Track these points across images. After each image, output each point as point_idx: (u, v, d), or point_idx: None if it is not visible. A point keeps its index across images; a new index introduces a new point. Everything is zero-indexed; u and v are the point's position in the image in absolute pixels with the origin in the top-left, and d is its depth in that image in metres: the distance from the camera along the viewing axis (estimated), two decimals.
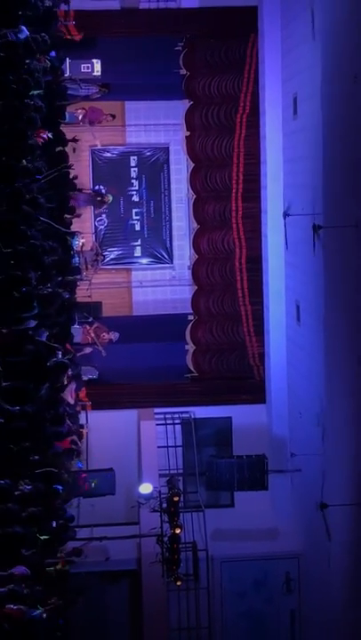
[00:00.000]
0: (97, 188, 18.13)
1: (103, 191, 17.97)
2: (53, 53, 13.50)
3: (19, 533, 8.78)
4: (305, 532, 16.28)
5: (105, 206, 17.96)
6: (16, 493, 9.53)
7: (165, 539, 15.07)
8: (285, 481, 16.84)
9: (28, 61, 10.63)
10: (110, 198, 17.83)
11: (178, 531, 15.07)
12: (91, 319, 17.46)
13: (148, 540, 15.39)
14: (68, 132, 15.98)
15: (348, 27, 12.82)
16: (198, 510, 16.84)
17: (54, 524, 12.15)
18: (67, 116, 15.60)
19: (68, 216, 14.64)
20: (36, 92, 11.05)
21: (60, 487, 12.18)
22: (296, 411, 16.62)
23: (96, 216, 18.69)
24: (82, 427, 16.56)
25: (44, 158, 12.31)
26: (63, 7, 16.01)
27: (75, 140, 16.55)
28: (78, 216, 16.41)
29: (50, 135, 12.90)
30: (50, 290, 11.37)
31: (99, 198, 17.73)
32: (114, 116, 17.83)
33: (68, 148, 15.68)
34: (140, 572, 16.12)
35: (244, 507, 17.34)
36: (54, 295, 11.52)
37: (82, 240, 17.52)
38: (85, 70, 16.74)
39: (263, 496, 16.68)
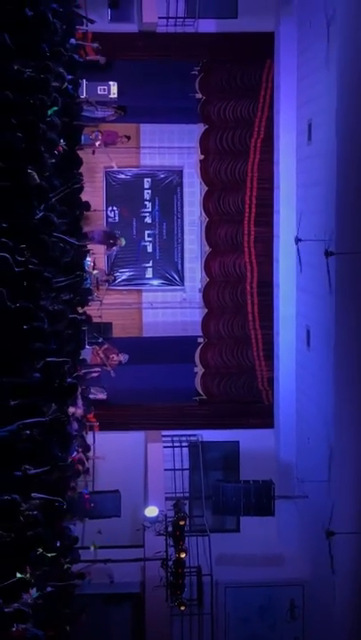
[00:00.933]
0: (114, 232, 18.18)
1: (117, 234, 18.07)
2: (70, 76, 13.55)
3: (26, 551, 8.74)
4: (311, 560, 16.17)
5: (116, 248, 18.01)
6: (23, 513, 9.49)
7: (170, 563, 14.99)
8: (292, 507, 16.73)
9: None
10: (123, 242, 17.92)
11: (183, 555, 14.99)
12: (100, 340, 17.44)
13: (153, 563, 15.31)
14: (83, 154, 16.04)
15: None
16: (204, 534, 16.74)
17: (58, 544, 12.10)
18: (82, 138, 15.64)
19: (81, 243, 14.61)
20: (51, 111, 11.11)
21: (64, 507, 12.16)
22: (304, 436, 16.55)
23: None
24: (89, 448, 16.51)
25: (59, 178, 12.34)
26: (82, 29, 16.15)
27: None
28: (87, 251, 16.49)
29: (64, 145, 12.91)
30: (59, 307, 11.36)
31: (111, 241, 17.81)
32: (129, 138, 17.91)
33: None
34: (144, 595, 16.03)
35: (250, 532, 17.23)
36: (63, 312, 11.51)
37: (93, 260, 17.61)
38: (102, 92, 16.83)
39: (269, 522, 16.57)
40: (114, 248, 18.01)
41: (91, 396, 16.81)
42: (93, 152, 17.33)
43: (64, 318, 11.32)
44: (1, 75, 8.61)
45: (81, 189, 14.14)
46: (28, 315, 8.45)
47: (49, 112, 10.91)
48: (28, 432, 8.49)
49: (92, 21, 16.34)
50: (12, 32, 8.89)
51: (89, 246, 15.67)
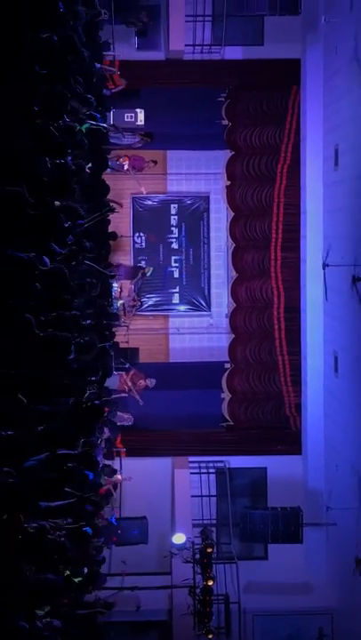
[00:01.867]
0: (138, 264, 18.28)
1: (144, 265, 18.15)
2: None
3: (51, 580, 8.70)
4: (340, 588, 15.99)
5: (142, 281, 18.07)
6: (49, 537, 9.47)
7: (198, 590, 14.89)
8: (320, 535, 16.58)
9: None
10: (150, 271, 17.99)
11: (210, 582, 14.88)
12: (128, 365, 17.46)
13: (180, 591, 15.22)
14: (111, 180, 16.12)
15: None
16: (231, 562, 16.62)
17: (85, 570, 12.07)
18: (109, 164, 15.74)
19: (108, 271, 14.66)
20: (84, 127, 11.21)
21: (91, 533, 12.13)
22: (333, 463, 16.42)
23: (135, 262, 18.79)
24: (115, 472, 16.48)
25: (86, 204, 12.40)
26: (108, 57, 16.30)
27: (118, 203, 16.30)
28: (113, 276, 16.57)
29: (89, 169, 12.98)
30: (87, 339, 11.37)
31: (140, 272, 17.90)
32: (156, 162, 18.00)
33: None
34: (171, 623, 15.91)
35: (278, 559, 17.08)
36: (91, 344, 11.51)
37: (120, 286, 17.68)
38: (129, 120, 16.96)
39: (297, 549, 16.43)
40: (140, 279, 18.06)
41: (117, 422, 16.79)
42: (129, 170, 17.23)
43: (93, 349, 11.32)
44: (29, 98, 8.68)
45: (107, 219, 14.21)
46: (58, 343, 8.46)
47: (81, 128, 10.99)
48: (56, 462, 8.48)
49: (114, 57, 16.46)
50: (41, 58, 8.97)
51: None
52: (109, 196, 14.39)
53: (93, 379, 12.33)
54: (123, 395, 17.08)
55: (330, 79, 16.50)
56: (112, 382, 16.05)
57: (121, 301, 17.12)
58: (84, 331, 10.93)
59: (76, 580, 10.63)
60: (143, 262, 18.81)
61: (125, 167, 17.11)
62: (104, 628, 13.01)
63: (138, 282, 18.26)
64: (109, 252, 14.90)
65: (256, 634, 16.50)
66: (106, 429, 14.71)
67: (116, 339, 16.57)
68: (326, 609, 16.45)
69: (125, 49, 17.42)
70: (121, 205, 16.81)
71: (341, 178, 15.62)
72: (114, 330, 15.67)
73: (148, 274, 18.01)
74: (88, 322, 12.03)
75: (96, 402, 11.42)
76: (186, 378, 18.71)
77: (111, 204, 15.58)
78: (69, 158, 10.20)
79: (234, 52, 18.11)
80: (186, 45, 17.67)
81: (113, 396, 16.03)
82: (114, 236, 14.63)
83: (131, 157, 17.37)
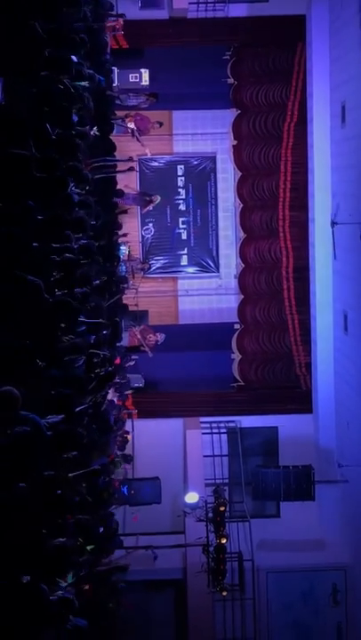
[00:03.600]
0: (145, 192, 18.21)
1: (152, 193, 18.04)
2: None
3: (66, 546, 8.78)
4: (352, 544, 16.12)
5: (152, 206, 17.89)
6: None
7: (211, 548, 15.01)
8: (333, 492, 16.68)
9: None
10: (158, 198, 17.79)
11: (224, 541, 15.00)
12: (137, 327, 17.48)
13: (194, 549, 15.34)
14: (117, 144, 16.02)
15: None
16: (244, 520, 16.75)
17: (101, 530, 12.18)
18: (115, 128, 15.62)
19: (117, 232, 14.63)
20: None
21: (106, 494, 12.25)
22: (344, 421, 16.48)
23: (143, 225, 18.75)
24: (127, 433, 16.59)
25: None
26: (112, 20, 16.12)
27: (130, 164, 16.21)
28: (125, 211, 16.50)
29: (96, 131, 12.90)
30: (93, 304, 11.36)
31: (147, 198, 17.75)
32: (161, 124, 17.81)
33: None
34: (186, 581, 16.08)
35: (291, 517, 17.21)
36: (99, 307, 11.50)
37: (128, 248, 17.65)
38: (133, 80, 16.80)
39: (310, 507, 16.54)
40: (150, 207, 17.90)
41: (129, 383, 16.86)
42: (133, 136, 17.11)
43: (101, 313, 11.32)
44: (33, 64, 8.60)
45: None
46: (67, 309, 8.46)
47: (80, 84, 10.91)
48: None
49: (121, 15, 16.27)
50: (43, 19, 8.88)
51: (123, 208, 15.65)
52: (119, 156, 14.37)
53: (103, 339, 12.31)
54: (134, 358, 17.11)
55: (335, 35, 16.31)
56: (122, 339, 16.03)
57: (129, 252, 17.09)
58: (91, 294, 10.94)
59: (89, 547, 10.70)
60: (150, 224, 18.76)
61: (130, 127, 16.96)
62: (120, 587, 13.15)
63: (147, 240, 18.22)
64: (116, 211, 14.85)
65: (270, 590, 16.68)
66: (111, 391, 14.69)
67: (125, 301, 16.59)
68: (339, 565, 16.60)
69: (129, 8, 17.21)
70: (132, 160, 16.70)
71: (349, 135, 15.49)
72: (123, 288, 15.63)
73: (157, 202, 17.84)
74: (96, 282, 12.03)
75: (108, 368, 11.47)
76: (196, 339, 18.75)
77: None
78: (75, 119, 10.16)
79: (238, 10, 17.89)
80: (190, 3, 17.48)
81: (125, 360, 16.10)
82: (120, 193, 14.58)
83: (135, 117, 17.21)
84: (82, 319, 9.65)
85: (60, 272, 8.82)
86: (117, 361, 14.38)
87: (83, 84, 10.93)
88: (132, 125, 16.90)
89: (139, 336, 17.18)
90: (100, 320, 11.04)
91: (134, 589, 15.42)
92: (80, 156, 10.16)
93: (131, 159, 15.37)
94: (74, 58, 10.70)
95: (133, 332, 17.16)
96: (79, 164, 9.91)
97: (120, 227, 15.63)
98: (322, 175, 17.13)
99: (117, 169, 14.78)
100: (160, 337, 17.37)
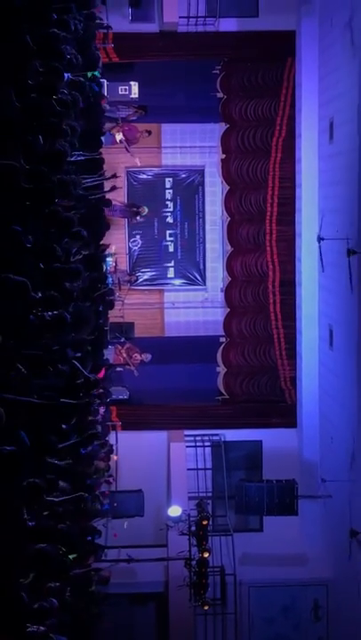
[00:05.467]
0: (132, 203, 18.23)
1: (140, 210, 18.05)
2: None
3: (47, 552, 8.74)
4: (334, 559, 16.12)
5: (140, 217, 17.92)
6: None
7: (193, 562, 15.00)
8: (315, 507, 16.69)
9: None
10: (146, 210, 17.83)
11: (206, 554, 14.99)
12: (122, 339, 17.48)
13: (176, 563, 15.33)
14: (104, 154, 16.03)
15: None
16: (227, 534, 16.74)
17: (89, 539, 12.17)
18: (103, 139, 15.65)
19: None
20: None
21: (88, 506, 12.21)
22: (328, 436, 16.50)
23: (130, 237, 18.77)
24: (111, 448, 16.54)
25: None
26: (102, 30, 16.17)
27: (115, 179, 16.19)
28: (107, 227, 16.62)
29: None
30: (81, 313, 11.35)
31: (134, 209, 17.78)
32: (150, 133, 17.86)
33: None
34: (168, 595, 16.04)
35: (274, 531, 17.19)
36: (87, 317, 11.50)
37: (115, 260, 17.65)
38: (123, 92, 16.85)
39: (293, 521, 16.53)
40: (138, 218, 17.92)
41: (113, 396, 16.83)
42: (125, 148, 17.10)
43: (88, 323, 11.29)
44: (21, 74, 8.62)
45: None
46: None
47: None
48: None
49: (109, 27, 16.33)
50: (32, 31, 8.91)
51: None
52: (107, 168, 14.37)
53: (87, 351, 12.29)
54: (118, 369, 17.12)
55: (325, 51, 16.41)
56: (107, 356, 16.06)
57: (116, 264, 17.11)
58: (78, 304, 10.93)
59: (71, 556, 10.66)
60: (137, 236, 18.79)
61: (118, 139, 16.98)
62: (100, 600, 13.09)
63: (134, 252, 18.23)
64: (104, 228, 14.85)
65: (252, 605, 16.66)
66: (101, 409, 14.70)
67: (111, 313, 16.58)
68: (321, 580, 16.61)
69: (119, 21, 17.28)
70: (117, 176, 16.69)
71: (336, 151, 15.57)
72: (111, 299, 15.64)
73: (144, 213, 17.87)
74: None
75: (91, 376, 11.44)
76: (181, 352, 18.75)
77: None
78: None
79: (228, 24, 17.98)
80: (180, 17, 17.54)
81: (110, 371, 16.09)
82: (108, 203, 14.62)
83: (123, 127, 17.24)
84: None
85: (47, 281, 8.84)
86: (101, 374, 14.36)
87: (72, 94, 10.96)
88: (120, 136, 16.94)
89: (124, 354, 17.18)
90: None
91: (116, 602, 15.39)
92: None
93: (115, 176, 15.33)
94: (66, 74, 10.75)
95: (119, 350, 17.15)
96: (67, 178, 9.92)
97: (108, 226, 15.54)
98: (309, 190, 17.20)
99: (103, 185, 14.74)
100: (146, 357, 17.39)
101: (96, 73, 12.82)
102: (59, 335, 8.99)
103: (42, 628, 8.09)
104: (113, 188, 15.20)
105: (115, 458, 16.43)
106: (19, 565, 7.02)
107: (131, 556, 15.82)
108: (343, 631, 15.79)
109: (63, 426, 9.35)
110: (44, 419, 8.28)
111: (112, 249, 17.36)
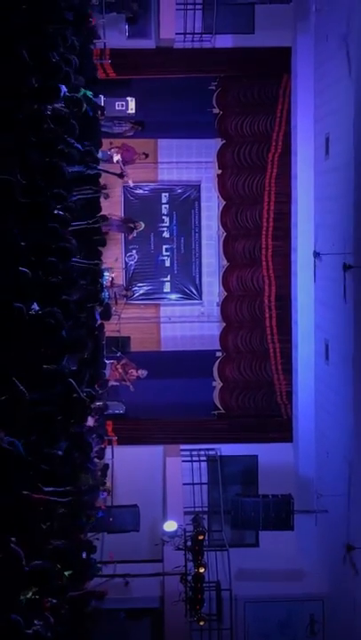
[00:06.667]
0: (129, 218, 18.29)
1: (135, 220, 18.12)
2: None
3: (43, 569, 8.72)
4: (330, 574, 16.08)
5: (136, 233, 17.98)
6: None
7: (189, 577, 14.95)
8: (311, 521, 16.66)
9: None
10: (142, 225, 17.90)
11: (202, 570, 14.94)
12: (119, 354, 17.50)
13: (172, 578, 15.27)
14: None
15: None
16: (223, 549, 16.69)
17: (84, 555, 12.14)
18: (100, 156, 15.71)
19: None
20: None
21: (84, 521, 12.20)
22: (323, 450, 16.50)
23: (126, 251, 18.81)
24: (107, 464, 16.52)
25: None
26: (99, 45, 16.26)
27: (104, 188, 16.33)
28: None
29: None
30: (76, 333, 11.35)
31: (131, 225, 17.84)
32: (147, 155, 17.98)
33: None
34: (163, 610, 15.99)
35: (269, 546, 17.18)
36: (83, 340, 11.50)
37: (112, 275, 17.67)
38: (120, 108, 16.93)
39: (289, 536, 16.51)
40: (134, 232, 17.98)
41: (109, 410, 16.83)
42: (121, 175, 17.26)
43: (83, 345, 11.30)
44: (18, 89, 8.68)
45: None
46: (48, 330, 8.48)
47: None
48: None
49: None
50: (30, 47, 8.98)
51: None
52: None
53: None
54: (114, 383, 17.13)
55: (320, 67, 16.51)
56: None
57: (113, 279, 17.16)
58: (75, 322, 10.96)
59: (67, 573, 10.63)
60: (134, 251, 18.84)
61: (116, 159, 17.05)
62: (95, 616, 13.04)
63: (130, 267, 18.27)
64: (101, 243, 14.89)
65: (247, 620, 16.59)
66: (90, 418, 14.65)
67: (108, 327, 16.59)
68: (317, 595, 16.55)
69: (116, 37, 17.40)
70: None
71: (332, 166, 15.64)
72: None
73: (140, 228, 17.92)
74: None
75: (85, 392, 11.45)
76: (177, 366, 18.75)
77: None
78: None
79: (225, 41, 18.11)
80: (176, 34, 17.68)
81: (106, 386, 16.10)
82: (104, 219, 14.68)
83: (122, 147, 17.31)
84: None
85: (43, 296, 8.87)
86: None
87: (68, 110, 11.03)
88: (117, 157, 17.00)
89: (120, 370, 17.19)
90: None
91: (112, 617, 15.33)
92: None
93: (105, 187, 15.40)
94: (62, 87, 10.83)
95: (115, 366, 17.16)
96: (64, 192, 9.97)
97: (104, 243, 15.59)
98: (305, 205, 17.27)
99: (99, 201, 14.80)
100: (142, 373, 17.40)
101: (88, 93, 12.84)
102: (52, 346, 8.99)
103: None
104: (106, 196, 15.30)
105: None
106: (16, 583, 7.01)
107: (128, 581, 15.83)
108: None
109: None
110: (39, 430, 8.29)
111: (108, 264, 17.39)
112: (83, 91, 12.22)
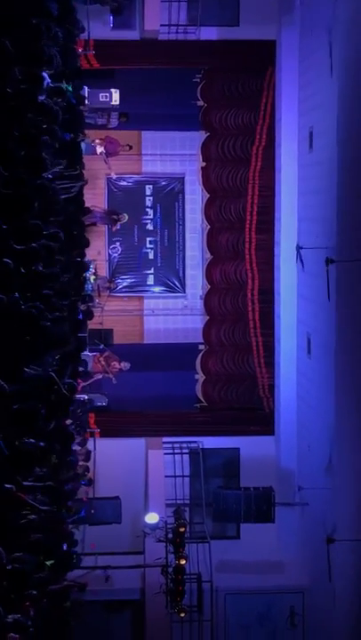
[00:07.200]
0: (112, 210, 18.28)
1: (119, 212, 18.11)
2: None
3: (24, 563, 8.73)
4: (311, 567, 16.16)
5: (119, 225, 17.96)
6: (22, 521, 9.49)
7: (170, 569, 14.99)
8: (292, 514, 16.74)
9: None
10: (126, 217, 17.89)
11: (183, 562, 14.98)
12: (102, 347, 17.48)
13: (153, 570, 15.30)
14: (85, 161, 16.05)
15: None
16: (204, 541, 16.73)
17: (65, 547, 12.14)
18: (83, 148, 15.66)
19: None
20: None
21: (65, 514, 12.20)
22: (305, 443, 16.56)
23: (110, 244, 18.78)
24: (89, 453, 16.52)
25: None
26: (83, 36, 16.18)
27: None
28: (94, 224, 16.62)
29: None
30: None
31: (114, 216, 17.81)
32: (131, 147, 17.94)
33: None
34: (144, 602, 16.02)
35: (250, 539, 17.23)
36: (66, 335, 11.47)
37: (94, 268, 17.64)
38: (104, 100, 16.85)
39: (269, 529, 16.57)
40: (118, 224, 17.96)
41: (91, 403, 16.82)
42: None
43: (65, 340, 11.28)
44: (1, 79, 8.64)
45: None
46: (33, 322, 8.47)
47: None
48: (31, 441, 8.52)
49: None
50: (13, 37, 8.93)
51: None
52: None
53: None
54: (97, 376, 17.11)
55: (305, 61, 16.51)
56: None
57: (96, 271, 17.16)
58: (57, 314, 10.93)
59: (48, 563, 10.64)
60: (118, 244, 18.81)
61: (99, 151, 17.01)
62: (76, 608, 13.05)
63: (114, 259, 18.25)
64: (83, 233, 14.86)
65: (228, 612, 16.65)
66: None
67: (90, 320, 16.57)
68: (298, 587, 16.63)
69: (100, 28, 17.32)
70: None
71: (316, 160, 15.66)
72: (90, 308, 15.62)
73: (124, 220, 17.90)
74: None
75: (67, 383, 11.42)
76: (160, 359, 18.76)
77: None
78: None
79: (209, 33, 18.07)
80: (161, 25, 17.62)
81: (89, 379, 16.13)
82: (87, 211, 14.66)
83: (106, 139, 17.27)
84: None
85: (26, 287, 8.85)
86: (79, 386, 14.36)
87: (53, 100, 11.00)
88: (101, 149, 16.96)
89: (103, 362, 17.18)
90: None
91: (92, 609, 15.33)
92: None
93: (85, 182, 15.40)
94: (45, 75, 10.78)
95: (97, 358, 17.14)
96: (46, 182, 9.94)
97: (87, 244, 15.59)
98: (288, 199, 17.28)
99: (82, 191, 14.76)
100: (124, 365, 17.39)
101: (69, 87, 12.79)
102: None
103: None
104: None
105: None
106: None
107: (108, 575, 15.85)
108: (319, 638, 15.83)
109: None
110: (20, 425, 8.28)
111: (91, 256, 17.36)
112: (65, 85, 12.16)
